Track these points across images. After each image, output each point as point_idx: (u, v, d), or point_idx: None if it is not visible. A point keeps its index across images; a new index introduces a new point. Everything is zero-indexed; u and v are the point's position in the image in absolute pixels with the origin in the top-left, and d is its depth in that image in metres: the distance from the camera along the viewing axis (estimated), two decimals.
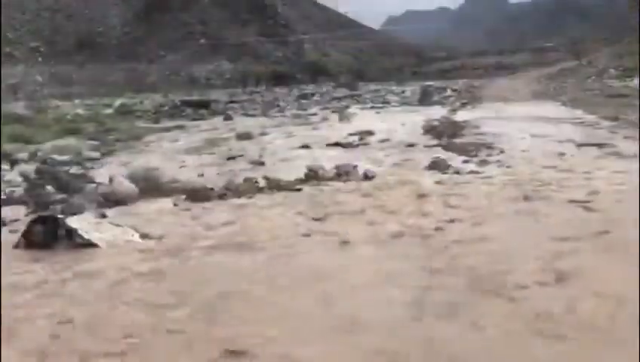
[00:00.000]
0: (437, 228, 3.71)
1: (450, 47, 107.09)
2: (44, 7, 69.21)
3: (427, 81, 41.32)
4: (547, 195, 4.53)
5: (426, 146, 9.68)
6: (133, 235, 3.77)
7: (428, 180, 5.50)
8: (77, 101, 44.01)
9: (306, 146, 10.03)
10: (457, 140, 10.00)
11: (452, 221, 3.87)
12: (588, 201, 4.29)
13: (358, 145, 10.43)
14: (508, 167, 6.20)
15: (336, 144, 10.27)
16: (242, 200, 4.88)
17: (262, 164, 8.16)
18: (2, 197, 5.49)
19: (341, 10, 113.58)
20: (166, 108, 23.52)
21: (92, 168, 8.65)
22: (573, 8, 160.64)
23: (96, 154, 10.00)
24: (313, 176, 5.72)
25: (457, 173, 5.95)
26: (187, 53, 66.08)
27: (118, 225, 3.86)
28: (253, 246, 3.70)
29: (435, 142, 10.25)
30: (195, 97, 29.07)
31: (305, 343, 2.34)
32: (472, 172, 5.93)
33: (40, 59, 64.50)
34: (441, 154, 8.34)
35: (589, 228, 3.71)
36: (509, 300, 2.69)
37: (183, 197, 5.02)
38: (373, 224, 3.85)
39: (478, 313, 2.57)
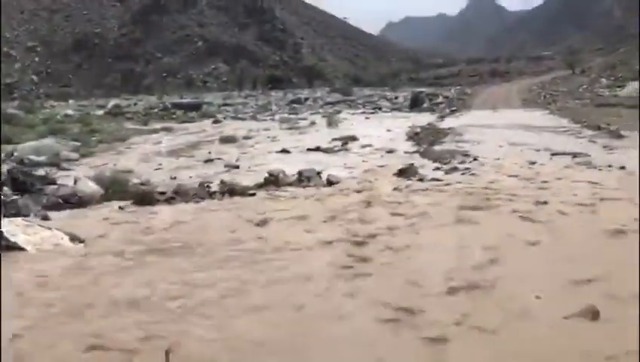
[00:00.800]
0: (370, 236, 3.68)
1: (448, 54, 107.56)
2: (42, 7, 69.29)
3: (420, 88, 41.48)
4: (495, 204, 4.52)
5: (405, 153, 9.69)
6: (62, 238, 3.73)
7: (388, 187, 5.49)
8: (71, 101, 44.20)
9: (285, 151, 10.02)
10: (437, 147, 10.01)
11: (389, 228, 3.84)
12: (530, 211, 4.30)
13: (339, 151, 10.42)
14: (473, 175, 6.19)
15: (317, 149, 10.27)
16: (189, 205, 4.84)
17: (237, 167, 8.16)
18: None
19: (341, 15, 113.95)
20: (156, 110, 23.52)
21: (68, 169, 8.61)
22: (572, 18, 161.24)
23: (74, 155, 9.97)
24: (273, 181, 5.70)
25: (421, 180, 5.94)
26: (184, 56, 66.19)
27: (48, 228, 3.83)
28: (174, 253, 3.61)
29: (415, 148, 10.28)
30: (186, 100, 28.99)
31: None
32: (434, 179, 5.93)
33: (37, 59, 64.57)
34: (417, 161, 8.36)
35: (517, 240, 3.69)
36: (410, 313, 2.65)
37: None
38: (310, 231, 3.82)
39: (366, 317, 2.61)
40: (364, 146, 10.91)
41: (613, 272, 3.04)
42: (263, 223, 4.06)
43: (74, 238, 3.80)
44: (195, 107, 22.68)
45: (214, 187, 5.55)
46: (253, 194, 5.16)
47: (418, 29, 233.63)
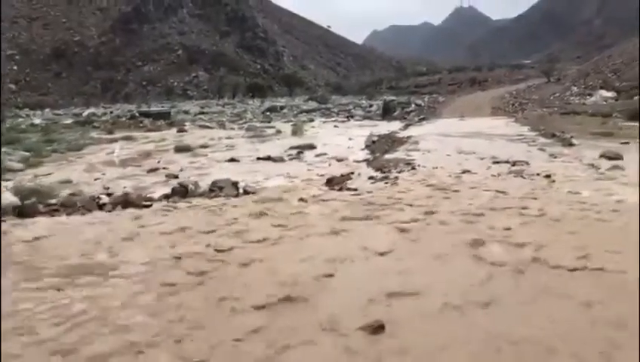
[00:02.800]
0: (226, 250, 3.58)
1: (432, 62, 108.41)
2: (20, 15, 68.68)
3: (402, 95, 41.68)
4: (384, 214, 4.46)
5: (354, 161, 9.66)
6: None
7: (301, 196, 5.42)
8: (47, 110, 43.74)
9: (234, 160, 9.93)
10: (387, 156, 9.99)
11: (257, 241, 3.76)
12: (411, 222, 4.27)
13: (291, 160, 10.36)
14: (394, 184, 6.16)
15: (268, 158, 10.19)
16: (71, 218, 4.71)
17: (176, 177, 8.04)
18: None
19: (324, 24, 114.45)
20: (123, 119, 23.32)
21: (7, 180, 8.43)
22: (554, 27, 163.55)
23: (19, 166, 9.77)
24: (181, 191, 5.60)
25: (341, 189, 5.88)
26: (165, 64, 65.93)
27: None
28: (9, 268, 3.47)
29: (367, 157, 10.26)
30: (154, 108, 28.83)
31: None
32: (350, 189, 5.88)
33: (15, 67, 63.87)
34: (362, 169, 8.34)
35: (368, 252, 3.63)
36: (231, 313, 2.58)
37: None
38: (175, 245, 3.71)
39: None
40: (318, 155, 10.86)
41: (430, 286, 3.04)
42: (130, 237, 3.94)
43: None
44: (164, 115, 22.49)
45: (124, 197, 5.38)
46: (149, 206, 5.05)
47: (403, 38, 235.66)
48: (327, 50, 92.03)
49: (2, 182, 8.41)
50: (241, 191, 5.71)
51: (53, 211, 4.83)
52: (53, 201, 5.13)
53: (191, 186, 5.74)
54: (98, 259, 3.48)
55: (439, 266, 3.37)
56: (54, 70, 65.35)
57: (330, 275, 3.13)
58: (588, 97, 26.30)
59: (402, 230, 4.05)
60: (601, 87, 27.11)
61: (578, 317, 2.62)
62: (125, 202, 5.07)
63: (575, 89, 29.93)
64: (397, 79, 70.50)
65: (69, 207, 4.96)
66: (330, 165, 9.25)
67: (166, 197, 5.46)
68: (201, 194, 5.62)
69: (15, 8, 68.83)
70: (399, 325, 2.52)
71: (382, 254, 3.51)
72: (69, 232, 4.26)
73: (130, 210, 4.83)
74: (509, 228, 4.03)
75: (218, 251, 3.55)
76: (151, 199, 5.38)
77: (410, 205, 4.83)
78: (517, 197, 5.12)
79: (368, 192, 5.62)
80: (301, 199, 5.27)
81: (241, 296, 2.91)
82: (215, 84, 58.19)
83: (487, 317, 2.63)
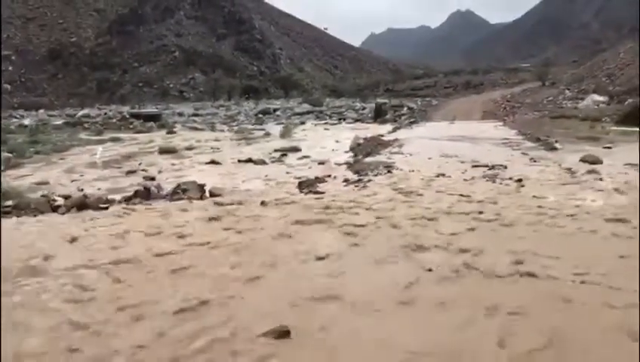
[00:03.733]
0: (169, 253, 3.54)
1: (429, 65, 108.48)
2: (16, 15, 68.55)
3: (398, 98, 41.65)
4: (337, 218, 4.41)
5: (336, 164, 9.62)
6: None
7: (267, 199, 5.36)
8: (41, 111, 43.62)
9: (215, 162, 9.89)
10: (369, 159, 9.96)
11: (200, 244, 3.71)
12: (358, 226, 4.21)
13: (273, 162, 10.32)
14: (364, 187, 6.12)
15: (249, 160, 10.14)
16: (20, 219, 4.64)
17: (153, 179, 8.00)
18: None
19: (321, 26, 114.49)
20: (114, 120, 23.27)
21: None
22: (551, 30, 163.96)
23: None
24: (143, 194, 5.55)
25: (310, 192, 5.83)
26: (161, 66, 65.86)
27: None
28: None
29: (350, 160, 10.23)
30: (145, 110, 28.78)
31: None
32: (317, 192, 5.82)
33: (11, 68, 63.71)
34: (342, 172, 8.32)
35: (309, 256, 3.58)
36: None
37: None
38: (117, 248, 3.64)
39: None
40: (301, 158, 10.83)
41: (353, 291, 3.02)
42: (74, 240, 3.88)
43: None
44: (154, 117, 22.44)
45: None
46: (106, 208, 5.00)
47: (400, 40, 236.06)
48: (324, 53, 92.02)
49: None
50: (207, 193, 5.66)
51: (4, 213, 4.77)
52: (8, 203, 5.07)
53: (153, 189, 5.69)
54: (31, 263, 3.43)
55: (371, 271, 3.35)
56: (50, 71, 65.24)
57: (257, 278, 3.08)
58: (580, 101, 26.29)
59: (349, 233, 4.01)
60: (594, 91, 27.11)
61: (483, 322, 2.58)
62: (81, 204, 5.01)
63: (568, 93, 29.93)
64: (393, 82, 70.47)
65: (22, 209, 4.90)
66: (310, 168, 9.21)
67: (127, 199, 5.40)
68: (164, 197, 5.57)
69: (10, 9, 68.64)
70: (306, 330, 2.48)
71: (320, 258, 3.47)
72: (10, 234, 4.20)
73: (86, 213, 4.77)
74: (455, 234, 4.00)
75: (156, 255, 3.50)
76: (110, 201, 5.32)
77: (369, 209, 4.79)
78: (478, 202, 5.08)
79: (333, 195, 5.58)
80: (262, 203, 5.23)
81: (158, 300, 2.86)
82: (210, 85, 58.14)
83: (391, 324, 2.59)
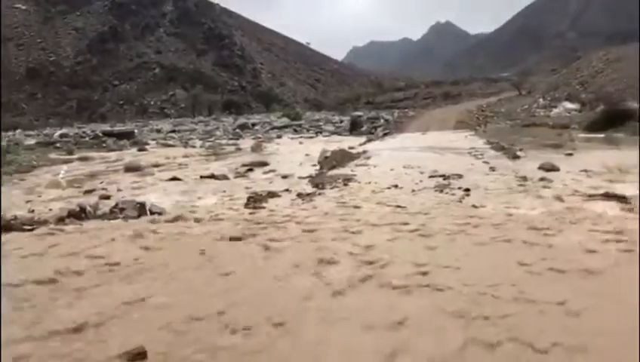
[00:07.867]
0: (78, 272, 3.46)
1: (410, 77, 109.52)
2: None
3: (379, 110, 41.94)
4: (263, 233, 4.36)
5: (299, 178, 9.60)
6: None
7: (205, 216, 5.32)
8: (18, 131, 43.20)
9: (176, 179, 9.82)
10: (332, 172, 9.97)
11: (112, 264, 3.63)
12: (278, 241, 4.19)
13: (236, 177, 10.28)
14: (310, 201, 6.10)
15: (211, 176, 10.09)
16: None
17: (108, 198, 7.91)
18: None
19: (303, 40, 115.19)
20: (86, 138, 23.12)
21: None
22: (529, 40, 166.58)
23: None
24: (76, 214, 5.49)
25: (257, 207, 5.80)
26: (141, 83, 65.77)
27: None
28: None
29: (314, 173, 10.22)
30: (117, 128, 28.64)
31: None
32: (259, 208, 5.79)
33: None
34: (301, 186, 8.30)
35: (214, 273, 3.52)
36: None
37: None
38: (24, 270, 3.55)
39: None
40: (267, 172, 10.80)
41: (239, 306, 2.97)
42: None
43: None
44: (127, 135, 22.33)
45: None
46: (31, 230, 4.92)
47: (382, 53, 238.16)
48: (306, 67, 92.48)
49: None
50: (147, 212, 5.60)
51: None
52: None
53: (89, 208, 5.61)
54: None
55: (272, 285, 3.27)
56: (29, 91, 64.76)
57: (142, 300, 3.01)
58: (553, 109, 26.67)
59: (267, 248, 3.97)
60: (566, 99, 27.53)
61: (359, 335, 2.56)
62: (7, 226, 4.92)
63: (542, 101, 30.35)
64: (374, 94, 71.03)
65: None
66: (271, 183, 9.17)
67: (60, 219, 5.32)
68: (100, 216, 5.50)
69: None
70: (167, 353, 2.42)
71: (226, 274, 3.41)
72: None
73: (7, 235, 4.68)
74: (371, 246, 3.97)
75: (63, 275, 3.42)
76: (42, 222, 5.23)
77: (300, 223, 4.76)
78: (410, 213, 5.08)
79: (271, 210, 5.55)
80: (196, 219, 5.18)
81: (39, 322, 2.78)
82: (191, 101, 58.05)
83: (262, 341, 2.55)
